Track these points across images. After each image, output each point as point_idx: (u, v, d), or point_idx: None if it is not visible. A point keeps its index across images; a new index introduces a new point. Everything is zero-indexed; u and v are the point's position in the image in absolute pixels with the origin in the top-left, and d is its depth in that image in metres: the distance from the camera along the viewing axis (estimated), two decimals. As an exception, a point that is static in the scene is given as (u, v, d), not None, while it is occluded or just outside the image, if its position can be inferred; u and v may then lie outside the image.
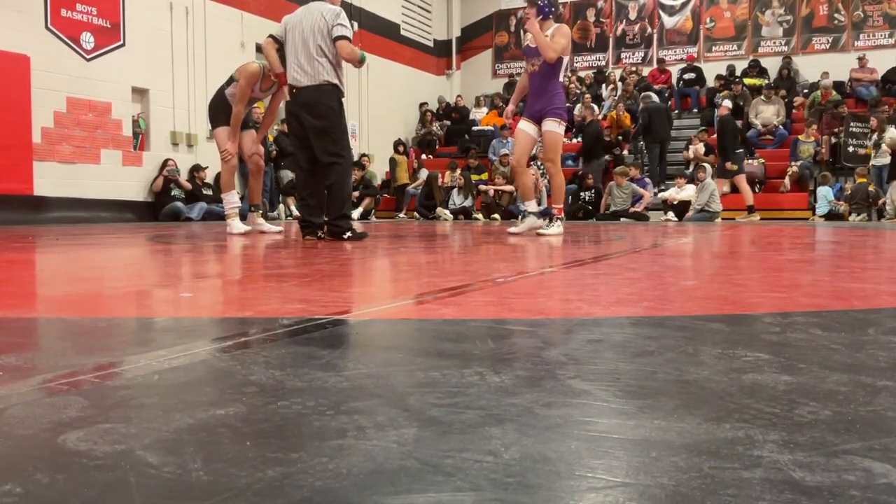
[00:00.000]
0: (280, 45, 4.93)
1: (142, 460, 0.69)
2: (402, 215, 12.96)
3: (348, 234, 4.77)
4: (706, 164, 11.51)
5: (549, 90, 5.43)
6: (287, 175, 11.17)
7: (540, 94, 5.45)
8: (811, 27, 14.52)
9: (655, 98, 13.18)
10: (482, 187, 12.52)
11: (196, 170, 10.50)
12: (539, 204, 11.88)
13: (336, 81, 4.77)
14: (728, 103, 10.86)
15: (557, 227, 5.50)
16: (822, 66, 13.87)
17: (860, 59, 13.51)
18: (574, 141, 14.28)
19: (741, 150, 10.63)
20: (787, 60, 14.29)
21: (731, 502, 0.59)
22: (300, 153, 4.99)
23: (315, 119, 4.75)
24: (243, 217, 6.17)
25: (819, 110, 12.57)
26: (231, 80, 5.76)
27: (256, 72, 5.59)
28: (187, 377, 1.04)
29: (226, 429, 0.79)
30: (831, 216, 10.81)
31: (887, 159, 10.92)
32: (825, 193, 11.08)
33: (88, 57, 9.30)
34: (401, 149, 13.83)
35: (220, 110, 5.77)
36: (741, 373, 1.05)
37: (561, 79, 5.53)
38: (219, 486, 0.63)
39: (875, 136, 11.12)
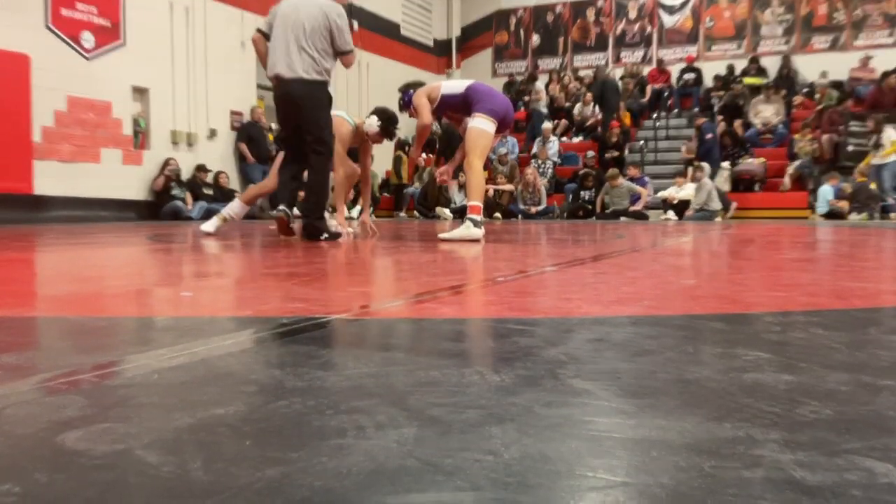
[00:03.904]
0: (267, 37, 4.73)
1: (141, 460, 0.68)
2: (402, 214, 12.96)
3: (325, 235, 4.66)
4: (703, 164, 11.52)
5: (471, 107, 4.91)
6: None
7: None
8: (811, 26, 14.51)
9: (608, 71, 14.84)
10: (482, 186, 12.50)
11: (200, 169, 10.54)
12: (539, 204, 12.01)
13: (325, 78, 4.70)
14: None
15: (461, 231, 4.65)
16: (821, 66, 13.87)
17: (864, 58, 13.48)
18: (575, 140, 14.32)
19: None
20: (786, 59, 14.29)
21: (731, 502, 0.59)
22: (282, 144, 4.95)
23: (305, 111, 4.68)
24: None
25: (819, 110, 12.59)
26: None
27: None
28: (187, 376, 1.04)
29: (225, 428, 0.79)
30: (831, 215, 10.82)
31: (889, 158, 10.97)
32: (825, 193, 11.08)
33: (89, 56, 9.29)
34: (407, 148, 13.85)
35: None
36: (742, 372, 1.05)
37: (463, 92, 4.93)
38: (219, 485, 0.62)
39: (875, 137, 11.16)
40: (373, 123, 5.37)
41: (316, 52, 4.63)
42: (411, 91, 5.12)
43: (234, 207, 5.38)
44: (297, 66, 4.60)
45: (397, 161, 13.62)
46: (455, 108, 5.08)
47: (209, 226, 5.30)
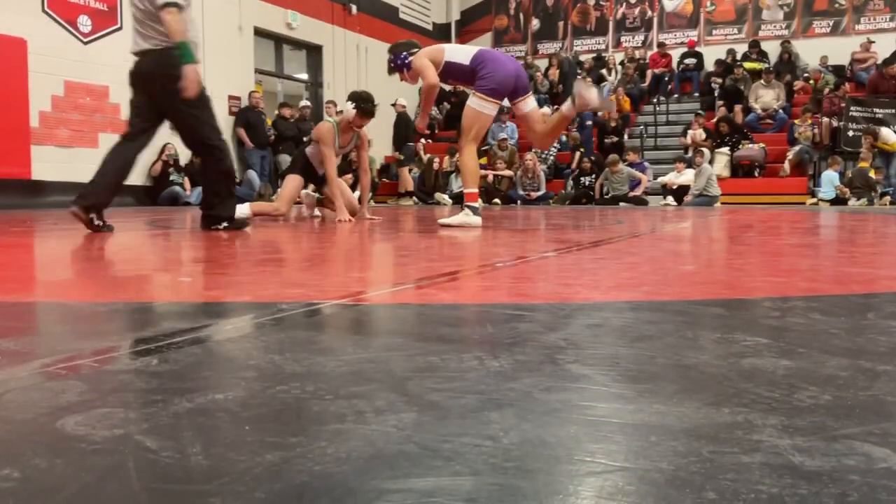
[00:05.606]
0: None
1: (140, 445, 0.68)
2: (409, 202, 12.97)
3: (223, 224, 4.21)
4: (703, 149, 11.49)
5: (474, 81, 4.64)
6: (286, 159, 11.16)
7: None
8: (812, 10, 14.41)
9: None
10: (481, 172, 12.47)
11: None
12: (539, 190, 12.00)
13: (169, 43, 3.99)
14: (403, 101, 12.79)
15: (461, 217, 4.46)
16: (822, 50, 13.79)
17: (865, 42, 13.41)
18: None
19: (411, 144, 12.70)
20: (787, 44, 14.21)
21: (730, 487, 0.59)
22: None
23: (165, 96, 4.13)
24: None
25: (817, 97, 12.54)
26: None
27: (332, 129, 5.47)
28: (186, 361, 1.04)
29: (224, 413, 0.79)
30: (836, 201, 10.79)
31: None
32: (831, 178, 11.02)
33: (86, 40, 9.24)
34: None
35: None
36: (740, 357, 1.05)
37: (469, 64, 4.60)
38: (217, 470, 0.62)
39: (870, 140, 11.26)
40: (349, 109, 5.41)
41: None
42: (404, 53, 4.75)
43: (242, 208, 5.43)
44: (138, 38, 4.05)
45: None
46: (459, 78, 4.77)
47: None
